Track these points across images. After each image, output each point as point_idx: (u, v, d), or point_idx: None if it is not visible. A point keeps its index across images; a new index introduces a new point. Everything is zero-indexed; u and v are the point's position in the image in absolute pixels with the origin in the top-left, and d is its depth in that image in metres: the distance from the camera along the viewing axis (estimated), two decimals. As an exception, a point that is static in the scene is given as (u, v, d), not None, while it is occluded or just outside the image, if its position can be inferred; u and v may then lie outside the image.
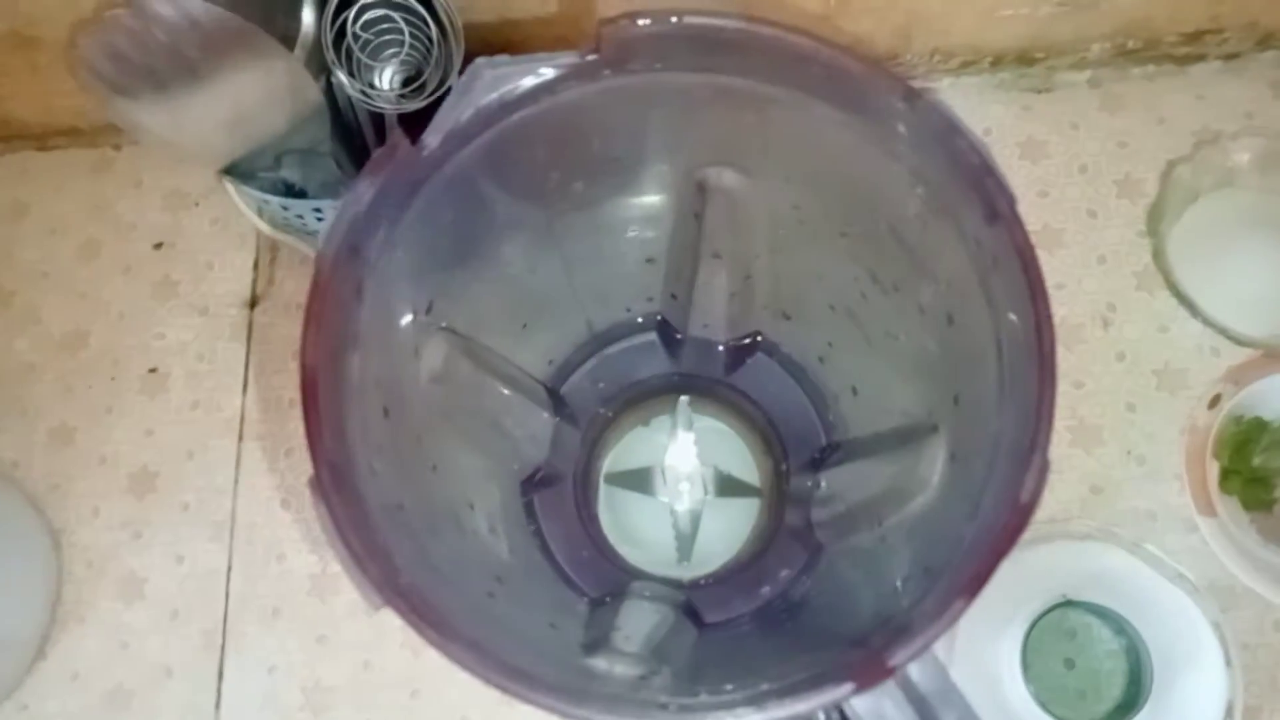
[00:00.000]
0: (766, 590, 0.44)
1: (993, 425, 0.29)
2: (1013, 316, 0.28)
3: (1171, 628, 0.59)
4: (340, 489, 0.27)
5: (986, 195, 0.27)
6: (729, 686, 0.25)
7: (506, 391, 0.41)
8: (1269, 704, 0.59)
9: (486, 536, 0.40)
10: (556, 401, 0.47)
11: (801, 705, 0.24)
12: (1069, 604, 0.59)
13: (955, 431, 0.33)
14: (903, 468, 0.36)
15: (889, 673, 0.25)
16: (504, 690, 0.24)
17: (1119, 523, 0.62)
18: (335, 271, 0.28)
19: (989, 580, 0.25)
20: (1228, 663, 0.57)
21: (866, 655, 0.25)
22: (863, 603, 0.34)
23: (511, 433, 0.44)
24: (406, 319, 0.34)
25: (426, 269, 0.35)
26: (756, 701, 0.24)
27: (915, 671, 0.26)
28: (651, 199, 0.38)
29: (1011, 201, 0.27)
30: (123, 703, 0.63)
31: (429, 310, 0.36)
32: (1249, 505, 0.62)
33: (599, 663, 0.33)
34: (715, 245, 0.39)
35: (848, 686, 0.24)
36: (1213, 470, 0.61)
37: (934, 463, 0.34)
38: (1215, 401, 0.61)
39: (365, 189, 0.29)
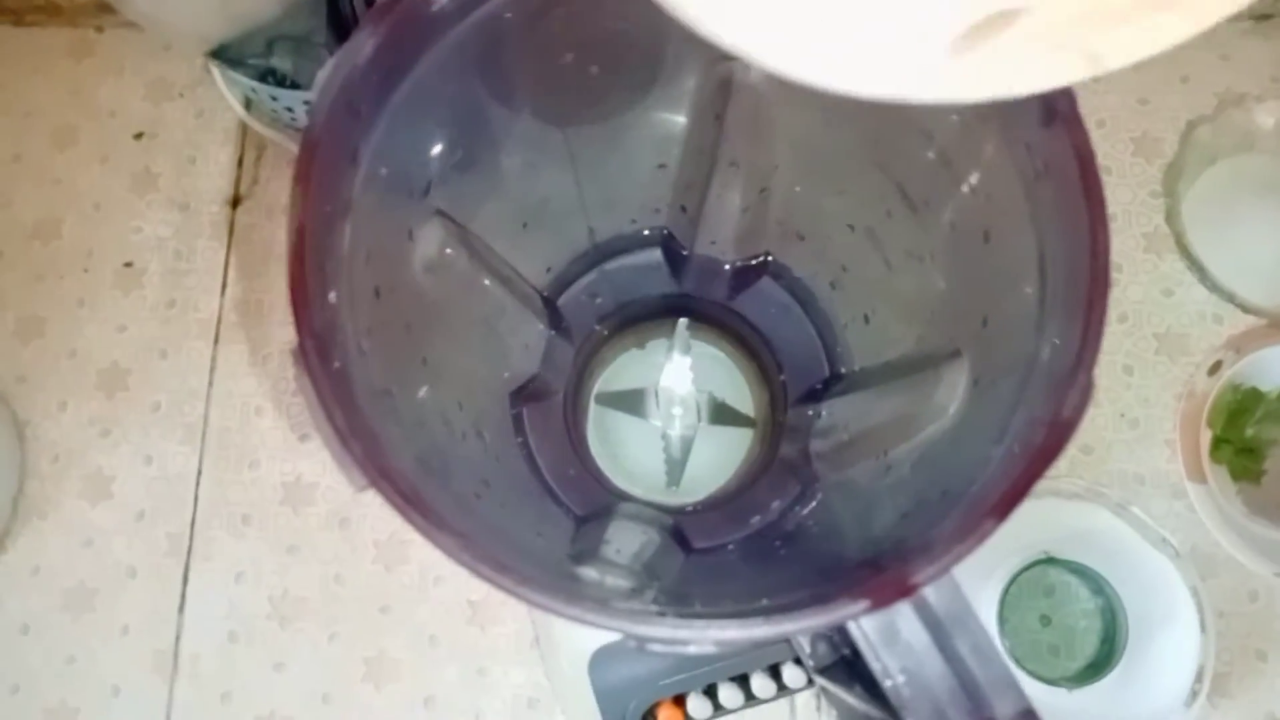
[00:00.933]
0: (757, 520, 0.43)
1: (1028, 345, 0.27)
2: (1063, 227, 0.26)
3: (1149, 590, 0.59)
4: (325, 361, 0.25)
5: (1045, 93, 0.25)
6: (725, 604, 0.24)
7: (502, 293, 0.39)
8: (1238, 670, 0.60)
9: (474, 440, 0.39)
10: (552, 313, 0.45)
11: (810, 621, 0.23)
12: (1050, 561, 0.59)
13: (980, 355, 0.32)
14: (915, 395, 0.35)
15: (910, 590, 0.23)
16: (494, 583, 0.23)
17: (1107, 484, 0.61)
18: (329, 128, 0.26)
19: (1022, 501, 0.24)
20: (1202, 628, 0.57)
21: (884, 573, 0.24)
22: (867, 530, 0.33)
23: (504, 339, 0.42)
24: (402, 196, 0.32)
25: (426, 145, 0.32)
26: (763, 613, 0.23)
27: (932, 593, 0.25)
28: (670, 94, 0.36)
29: (1072, 100, 0.25)
30: (84, 601, 0.61)
31: (426, 191, 0.34)
32: (1237, 475, 0.62)
33: (589, 572, 0.32)
34: (733, 152, 0.36)
35: (862, 603, 0.23)
36: (1205, 437, 0.60)
37: (954, 388, 0.32)
38: (1216, 368, 0.61)
39: (366, 40, 0.27)
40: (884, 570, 0.24)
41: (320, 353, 0.25)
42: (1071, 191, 0.25)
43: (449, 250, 0.34)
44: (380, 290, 0.31)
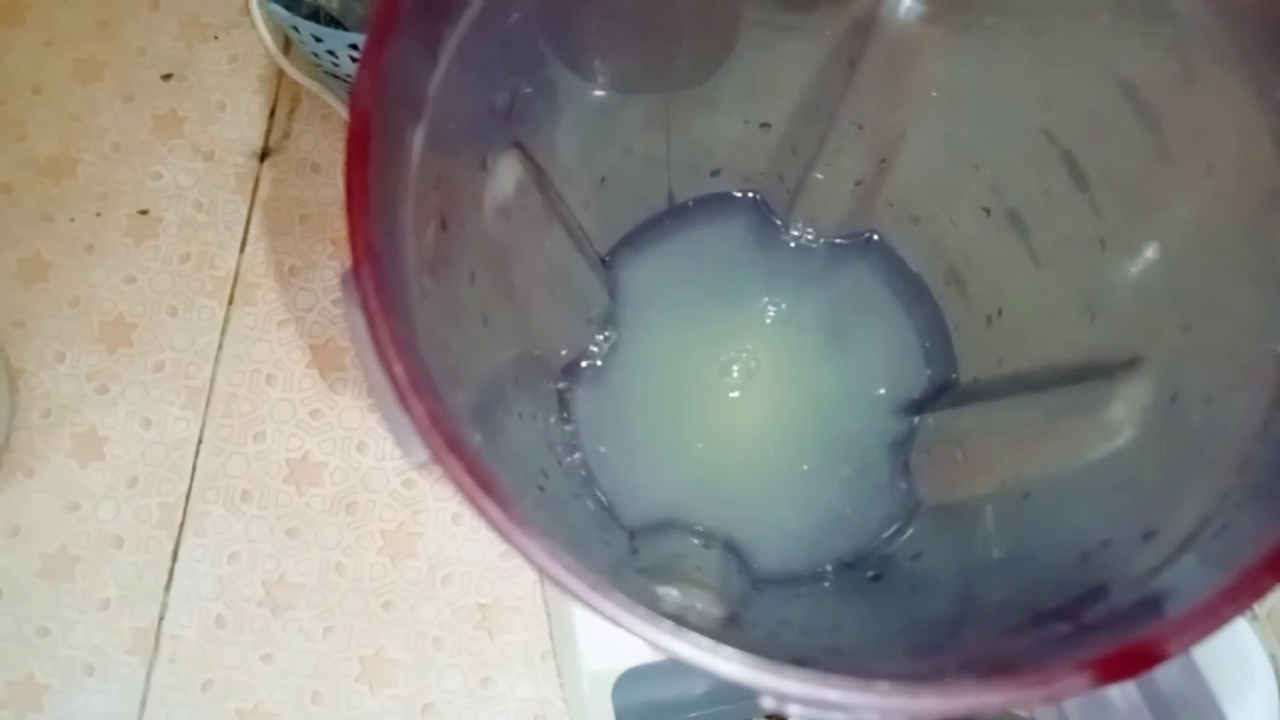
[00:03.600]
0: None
1: (1272, 350, 0.22)
2: None
3: (1222, 655, 0.54)
4: (385, 294, 0.20)
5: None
6: (852, 653, 0.20)
7: (571, 253, 0.34)
8: (1313, 750, 0.55)
9: (529, 422, 0.34)
10: (615, 283, 0.40)
11: (1005, 697, 0.18)
12: (1115, 613, 0.54)
13: (1179, 366, 0.26)
14: (1067, 413, 0.29)
15: (1156, 660, 0.18)
16: (591, 605, 0.18)
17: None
18: (411, 8, 0.21)
19: None
20: (1280, 701, 0.52)
21: (1106, 635, 0.19)
22: (1010, 570, 0.28)
23: (568, 307, 0.37)
24: (482, 114, 0.27)
25: (514, 61, 0.27)
26: (957, 675, 0.18)
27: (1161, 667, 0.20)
28: (793, 35, 0.31)
29: None
30: (64, 568, 0.57)
31: (508, 115, 0.29)
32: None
33: (670, 592, 0.27)
34: (860, 110, 0.31)
35: (1086, 676, 0.18)
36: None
37: (1131, 405, 0.27)
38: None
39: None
40: (1098, 629, 0.19)
41: (380, 279, 0.20)
42: None
43: (524, 190, 0.30)
44: (448, 223, 0.26)
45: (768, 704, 0.18)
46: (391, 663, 0.56)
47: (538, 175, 0.31)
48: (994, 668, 0.18)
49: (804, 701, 0.18)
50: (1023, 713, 0.20)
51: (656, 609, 0.18)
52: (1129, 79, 0.26)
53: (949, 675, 0.18)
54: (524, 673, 0.56)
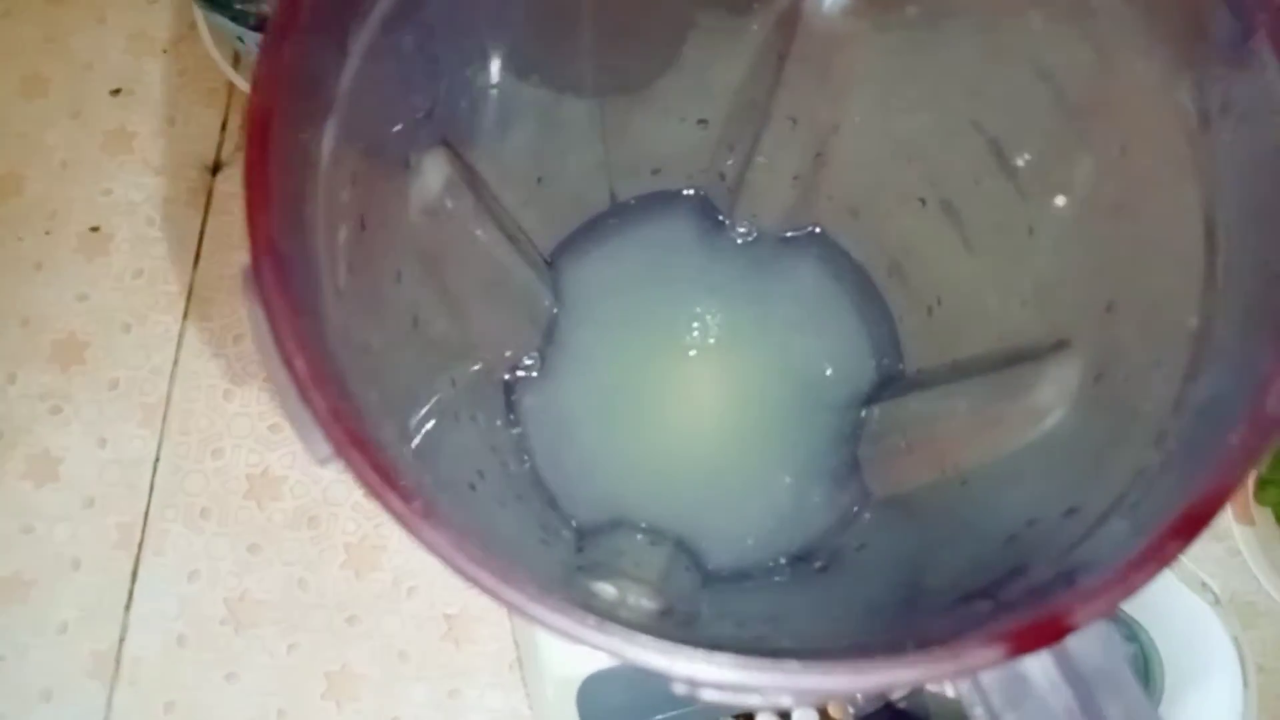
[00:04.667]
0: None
1: (1184, 328, 0.22)
2: (1247, 174, 0.21)
3: (1187, 639, 0.54)
4: (288, 288, 0.20)
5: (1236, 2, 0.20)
6: (785, 640, 0.19)
7: (509, 254, 0.34)
8: (1281, 731, 0.55)
9: (467, 423, 0.34)
10: (559, 284, 0.40)
11: (927, 670, 0.17)
12: (1080, 601, 0.54)
13: (1103, 346, 0.26)
14: (1000, 397, 0.29)
15: (1065, 631, 0.18)
16: (497, 595, 0.18)
17: (1143, 521, 0.57)
18: (314, 3, 0.21)
19: (1214, 518, 0.19)
20: (1244, 683, 0.52)
21: (1021, 609, 0.18)
22: (950, 556, 0.28)
23: (507, 308, 0.37)
24: (402, 111, 0.27)
25: (434, 60, 0.27)
26: (864, 656, 0.18)
27: (1074, 639, 0.20)
28: (722, 34, 0.31)
29: (1275, 8, 0.20)
30: (19, 593, 0.56)
31: (431, 113, 0.28)
32: (1284, 519, 0.57)
33: (605, 588, 0.26)
34: (792, 104, 0.31)
35: (994, 650, 0.18)
36: (1252, 478, 0.56)
37: (1062, 387, 0.27)
38: (1267, 401, 0.56)
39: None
40: (1016, 606, 0.19)
41: (282, 275, 0.20)
42: (1269, 131, 0.20)
43: (453, 190, 0.29)
44: (367, 222, 0.25)
45: (680, 690, 0.18)
46: (358, 678, 0.56)
47: (468, 175, 0.30)
48: (909, 645, 0.18)
49: (713, 685, 0.18)
50: (950, 694, 0.20)
51: (570, 598, 0.18)
52: (1047, 67, 0.26)
53: (862, 654, 0.18)
54: (492, 683, 0.55)
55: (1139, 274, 0.25)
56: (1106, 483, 0.22)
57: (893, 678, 0.17)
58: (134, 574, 0.56)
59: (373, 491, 0.19)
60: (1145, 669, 0.55)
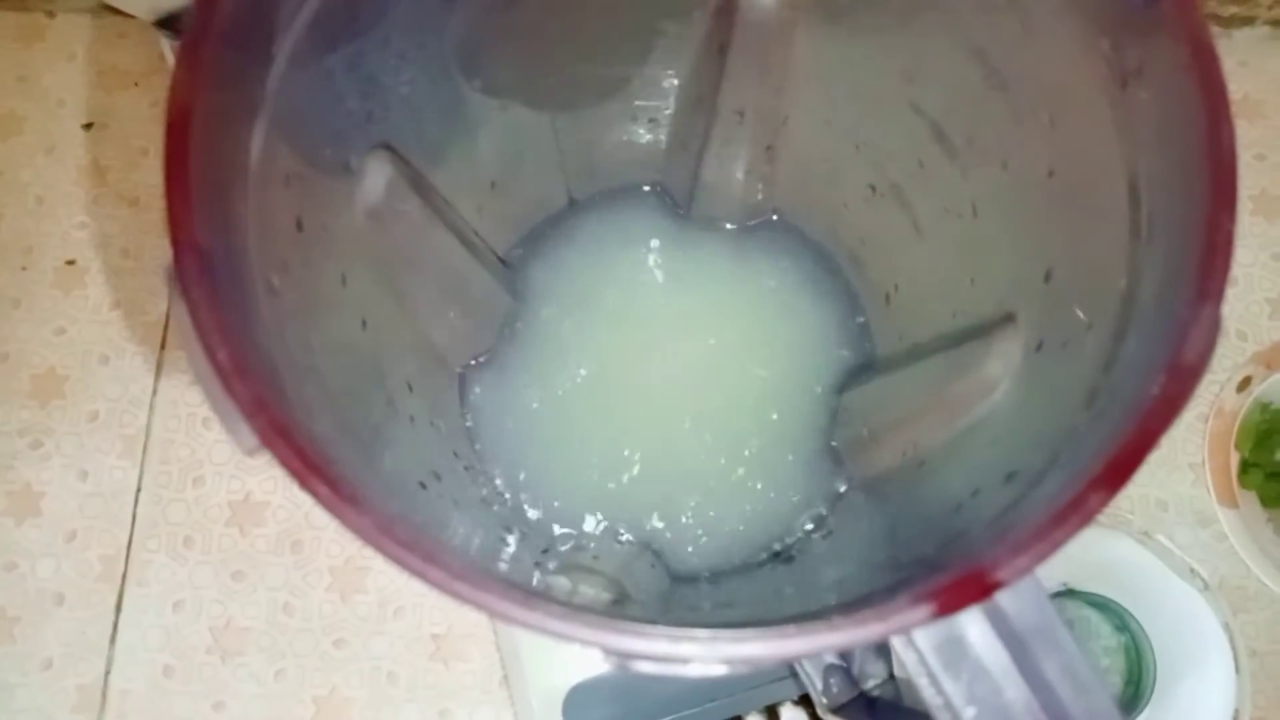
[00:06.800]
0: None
1: (1114, 290, 0.23)
2: (1165, 135, 0.21)
3: (1178, 627, 0.54)
4: (210, 280, 0.20)
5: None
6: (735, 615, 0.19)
7: (463, 256, 0.34)
8: (1276, 715, 0.55)
9: (425, 428, 0.34)
10: (519, 286, 0.39)
11: (853, 633, 0.17)
12: (1069, 593, 0.54)
13: (1043, 315, 0.27)
14: (952, 376, 0.30)
15: (991, 588, 0.18)
16: (422, 575, 0.18)
17: (1128, 509, 0.57)
18: (233, 7, 0.21)
19: (1137, 468, 0.19)
20: (1236, 668, 0.52)
21: (951, 569, 0.18)
22: (909, 529, 0.28)
23: (465, 308, 0.37)
24: (339, 117, 0.27)
25: (371, 64, 0.27)
26: (792, 622, 0.18)
27: (1009, 600, 0.19)
28: (666, 35, 0.31)
29: None
30: (3, 631, 0.55)
31: (369, 116, 0.29)
32: (1268, 502, 0.57)
33: (560, 580, 0.26)
34: (738, 97, 0.31)
35: (923, 609, 0.18)
36: (1234, 460, 0.56)
37: (1007, 359, 0.27)
38: (1245, 384, 0.56)
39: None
40: (948, 567, 0.19)
41: (203, 269, 0.20)
42: (1179, 87, 0.21)
43: (398, 193, 0.29)
44: (304, 224, 0.26)
45: (609, 662, 0.18)
46: (347, 701, 0.55)
47: (415, 179, 0.31)
48: (850, 607, 0.18)
49: (629, 654, 0.18)
50: (897, 671, 0.20)
51: (495, 574, 0.18)
52: (978, 43, 0.27)
53: (812, 620, 0.18)
54: (482, 700, 0.55)
55: (1073, 240, 0.26)
56: (1043, 446, 0.22)
57: (820, 642, 0.17)
58: (118, 606, 0.56)
59: (297, 477, 0.19)
60: (1137, 658, 0.54)
